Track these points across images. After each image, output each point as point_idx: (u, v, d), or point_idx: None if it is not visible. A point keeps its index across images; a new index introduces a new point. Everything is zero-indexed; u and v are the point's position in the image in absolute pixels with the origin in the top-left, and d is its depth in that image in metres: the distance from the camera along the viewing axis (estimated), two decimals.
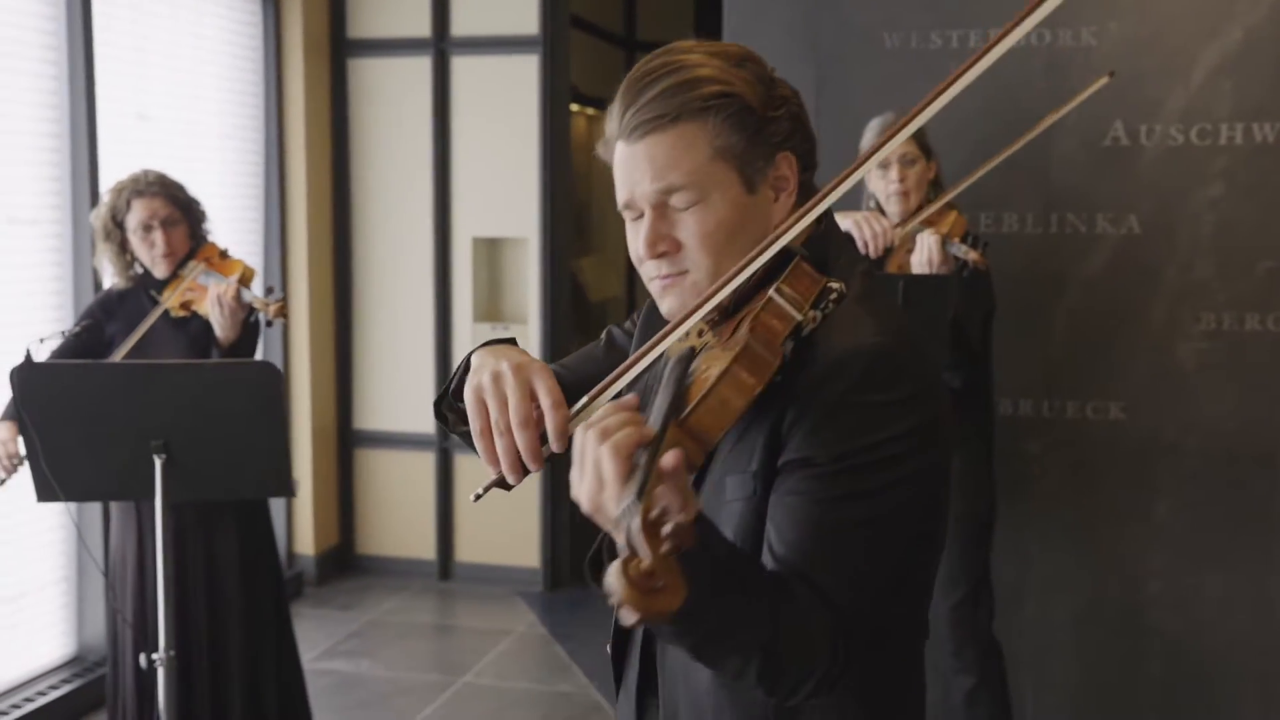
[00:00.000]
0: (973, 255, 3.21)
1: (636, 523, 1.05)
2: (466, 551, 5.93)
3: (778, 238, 1.36)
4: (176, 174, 3.51)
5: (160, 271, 3.39)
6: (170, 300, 3.34)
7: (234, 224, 5.34)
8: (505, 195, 5.74)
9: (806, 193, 1.47)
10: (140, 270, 3.44)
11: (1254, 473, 3.66)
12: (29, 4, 4.24)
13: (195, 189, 3.56)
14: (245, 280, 3.35)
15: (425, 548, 5.94)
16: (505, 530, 5.84)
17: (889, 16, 3.81)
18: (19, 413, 2.71)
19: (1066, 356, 3.72)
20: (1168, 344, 3.68)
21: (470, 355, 1.52)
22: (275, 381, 2.78)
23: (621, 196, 1.41)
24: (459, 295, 5.83)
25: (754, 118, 1.38)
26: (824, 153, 4.02)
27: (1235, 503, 3.67)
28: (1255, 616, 3.68)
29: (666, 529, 1.04)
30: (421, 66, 5.75)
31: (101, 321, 3.44)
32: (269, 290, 3.37)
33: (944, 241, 3.25)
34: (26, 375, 2.70)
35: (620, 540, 1.07)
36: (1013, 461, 3.73)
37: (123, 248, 3.41)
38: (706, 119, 1.36)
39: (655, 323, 1.59)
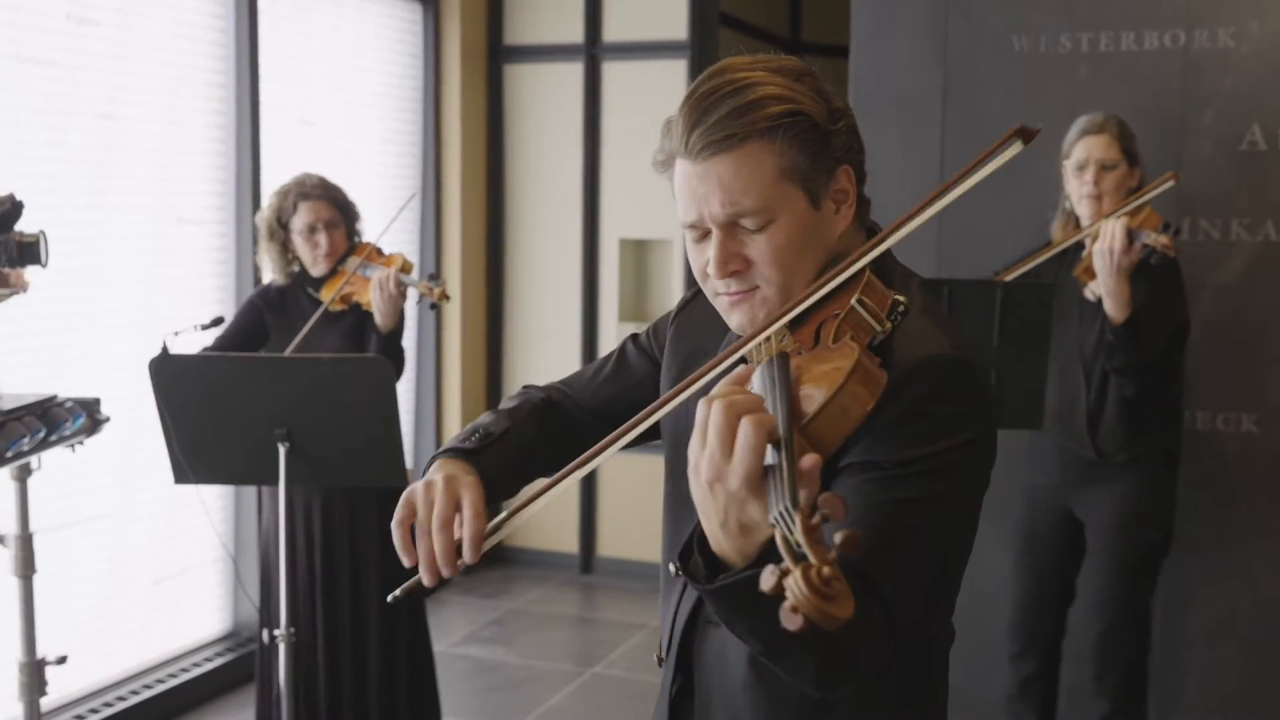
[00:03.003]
0: (1162, 240, 3.02)
1: (799, 528, 1.06)
2: (608, 546, 6.05)
3: (854, 261, 1.38)
4: (337, 178, 3.71)
5: (319, 270, 3.58)
6: (330, 296, 3.53)
7: (392, 226, 5.55)
8: (652, 198, 5.83)
9: (863, 205, 1.51)
10: (297, 269, 3.63)
11: None
12: (198, 15, 4.51)
13: (355, 192, 3.75)
14: (405, 270, 3.51)
15: (569, 541, 6.08)
16: (645, 526, 5.93)
17: (1018, 19, 3.76)
18: (156, 400, 2.92)
19: (1199, 366, 3.62)
20: None
21: (431, 461, 1.60)
22: (387, 376, 2.93)
23: (688, 216, 1.43)
24: (605, 295, 5.95)
25: (818, 134, 1.41)
26: (951, 156, 4.02)
27: None
28: None
29: (837, 538, 1.04)
30: (574, 72, 5.89)
31: (262, 311, 3.65)
32: (431, 276, 3.53)
33: (1130, 230, 3.07)
34: (162, 366, 2.91)
35: (780, 547, 1.07)
36: None
37: (285, 247, 3.61)
38: (774, 138, 1.38)
39: (697, 338, 1.63)
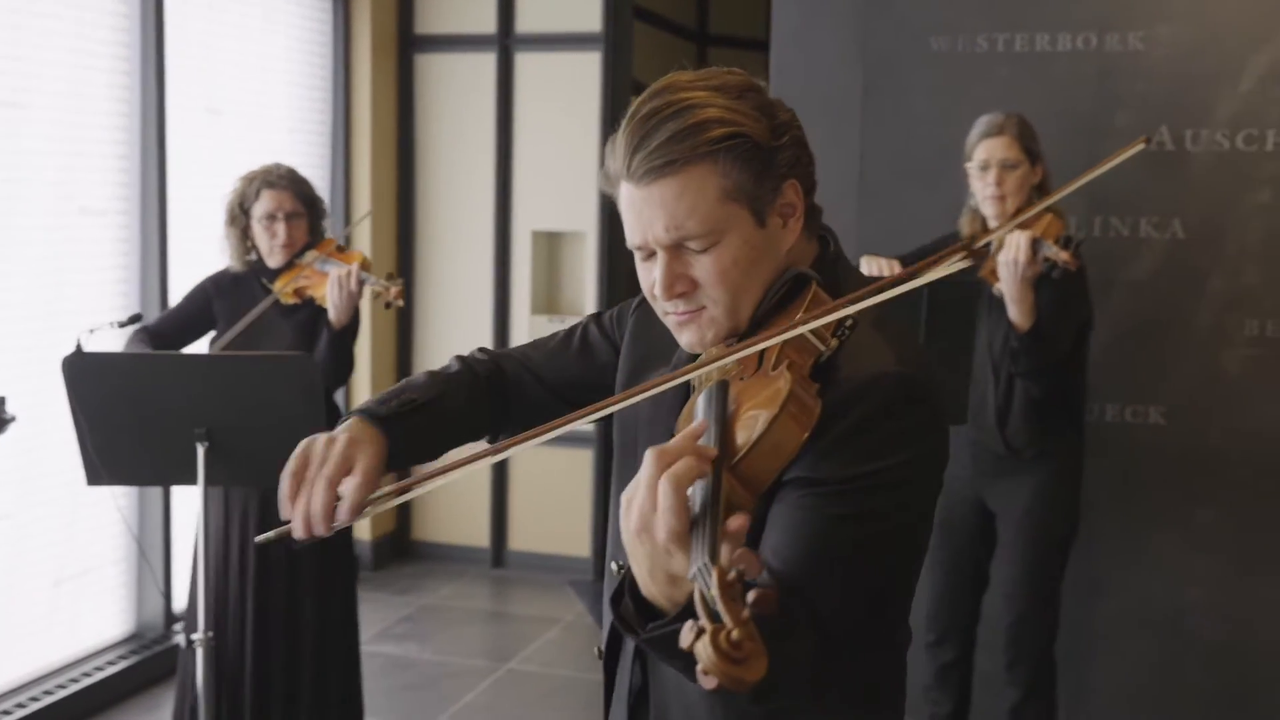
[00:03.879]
0: (1063, 255, 3.10)
1: (714, 587, 1.05)
2: (520, 540, 6.02)
3: (830, 313, 1.35)
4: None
5: (275, 261, 3.52)
6: (283, 288, 3.47)
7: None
8: (565, 190, 5.81)
9: (812, 216, 1.51)
10: (255, 258, 3.57)
11: None
12: (104, 1, 4.38)
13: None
14: (365, 268, 3.46)
15: (480, 535, 6.04)
16: (557, 520, 5.92)
17: (937, 19, 3.81)
18: (69, 400, 2.83)
19: (1109, 360, 3.70)
20: (1212, 350, 3.65)
21: (347, 414, 1.60)
22: (313, 374, 2.88)
23: (633, 238, 1.43)
24: (517, 287, 5.91)
25: (760, 153, 1.39)
26: (872, 154, 4.06)
27: (1277, 509, 3.64)
28: None
29: (750, 596, 1.04)
30: (486, 62, 5.84)
31: (211, 296, 3.57)
32: (390, 275, 3.48)
33: (1035, 241, 3.14)
34: (76, 364, 2.82)
35: (697, 603, 1.06)
36: None
37: (244, 234, 3.55)
38: (716, 160, 1.37)
39: (653, 338, 1.62)
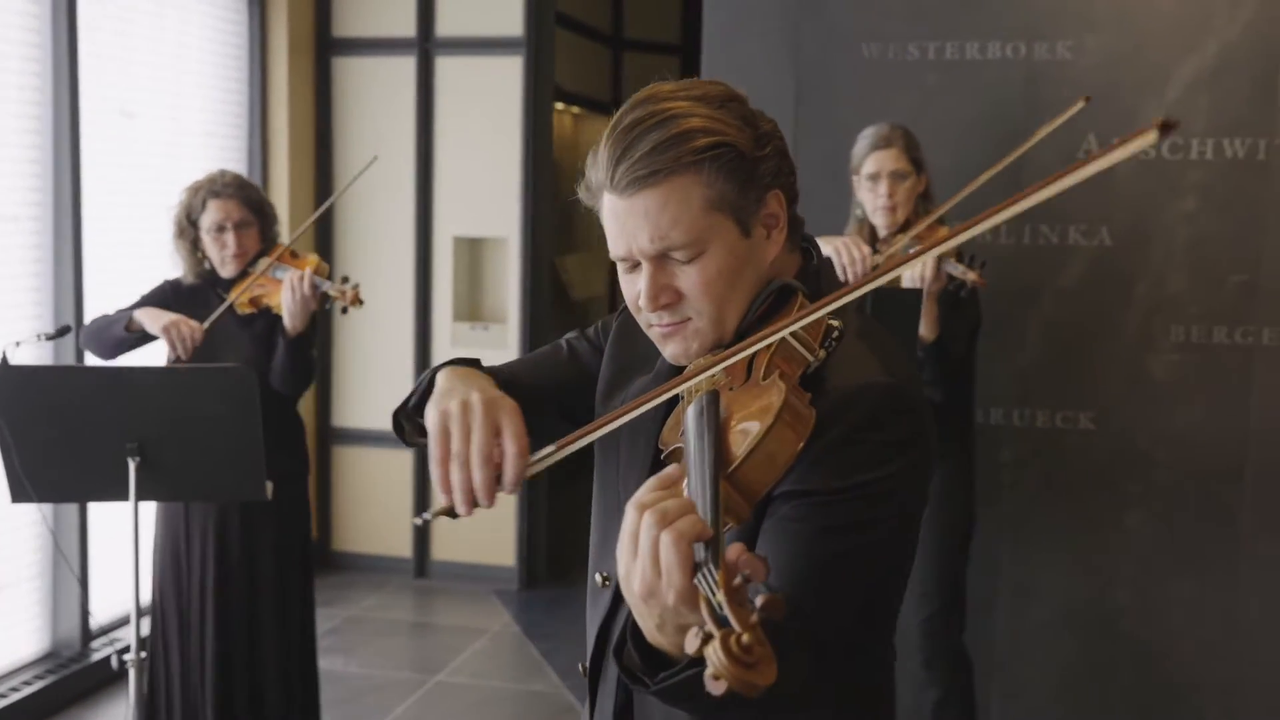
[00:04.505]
0: (971, 276, 3.18)
1: (720, 592, 1.04)
2: (443, 550, 5.95)
3: (812, 313, 1.31)
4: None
5: (228, 271, 3.45)
6: (239, 296, 3.39)
7: None
8: (487, 195, 5.76)
9: (795, 226, 1.50)
10: (209, 267, 3.49)
11: (1221, 483, 3.70)
12: (14, 1, 4.24)
13: (176, 186, 3.59)
14: (319, 273, 3.39)
15: (402, 545, 5.96)
16: (481, 529, 5.86)
17: (868, 27, 3.83)
18: None
19: (1039, 366, 3.75)
20: (1139, 355, 3.72)
21: (435, 372, 1.52)
22: (250, 386, 2.80)
23: (617, 249, 1.41)
24: (439, 294, 5.84)
25: (744, 163, 1.39)
26: (805, 160, 4.08)
27: (1203, 513, 3.72)
28: (1222, 625, 3.72)
29: (759, 600, 1.02)
30: (406, 66, 5.77)
31: (170, 300, 3.49)
32: (344, 279, 3.41)
33: (940, 261, 3.21)
34: (2, 377, 2.72)
35: (702, 608, 1.05)
36: (984, 470, 3.76)
37: (195, 245, 3.47)
38: (700, 171, 1.36)
39: (636, 349, 1.60)
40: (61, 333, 3.22)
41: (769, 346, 1.33)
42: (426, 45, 5.74)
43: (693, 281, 1.39)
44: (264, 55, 5.66)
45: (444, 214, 5.81)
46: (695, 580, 1.08)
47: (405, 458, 5.91)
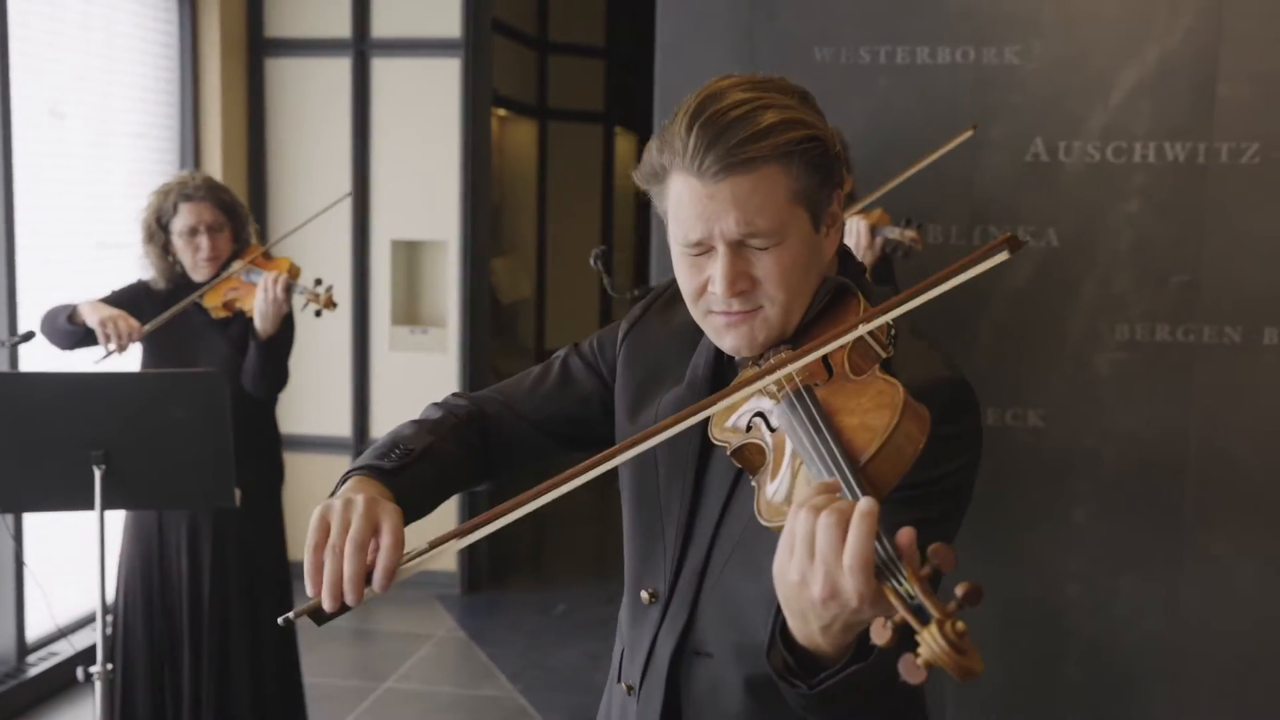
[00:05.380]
0: (909, 234, 3.21)
1: (909, 581, 1.05)
2: None
3: (886, 312, 1.33)
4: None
5: (200, 275, 3.39)
6: (210, 298, 3.33)
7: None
8: (425, 198, 5.72)
9: (839, 226, 1.52)
10: (180, 271, 3.43)
11: (1166, 479, 3.80)
12: None
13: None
14: (293, 275, 3.34)
15: None
16: (422, 534, 5.80)
17: (820, 31, 3.88)
18: None
19: (989, 365, 3.82)
20: (1086, 354, 3.81)
21: (345, 478, 1.50)
22: (221, 392, 2.76)
23: (693, 233, 1.40)
24: (377, 297, 5.79)
25: (826, 159, 1.41)
26: None
27: (1149, 508, 3.82)
28: (1167, 619, 3.82)
29: (960, 590, 1.02)
30: (341, 68, 5.71)
31: (143, 300, 3.42)
32: (317, 282, 3.36)
33: (872, 227, 3.26)
34: None
35: (893, 600, 1.06)
36: None
37: (165, 250, 3.41)
38: (789, 163, 1.37)
39: (651, 363, 1.60)
40: (26, 338, 3.14)
41: (844, 345, 1.33)
42: (362, 46, 5.69)
43: (769, 270, 1.39)
44: (195, 55, 5.56)
45: (381, 217, 5.76)
46: (877, 579, 1.08)
47: (344, 463, 5.82)
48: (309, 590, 1.36)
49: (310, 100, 5.75)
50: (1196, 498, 3.80)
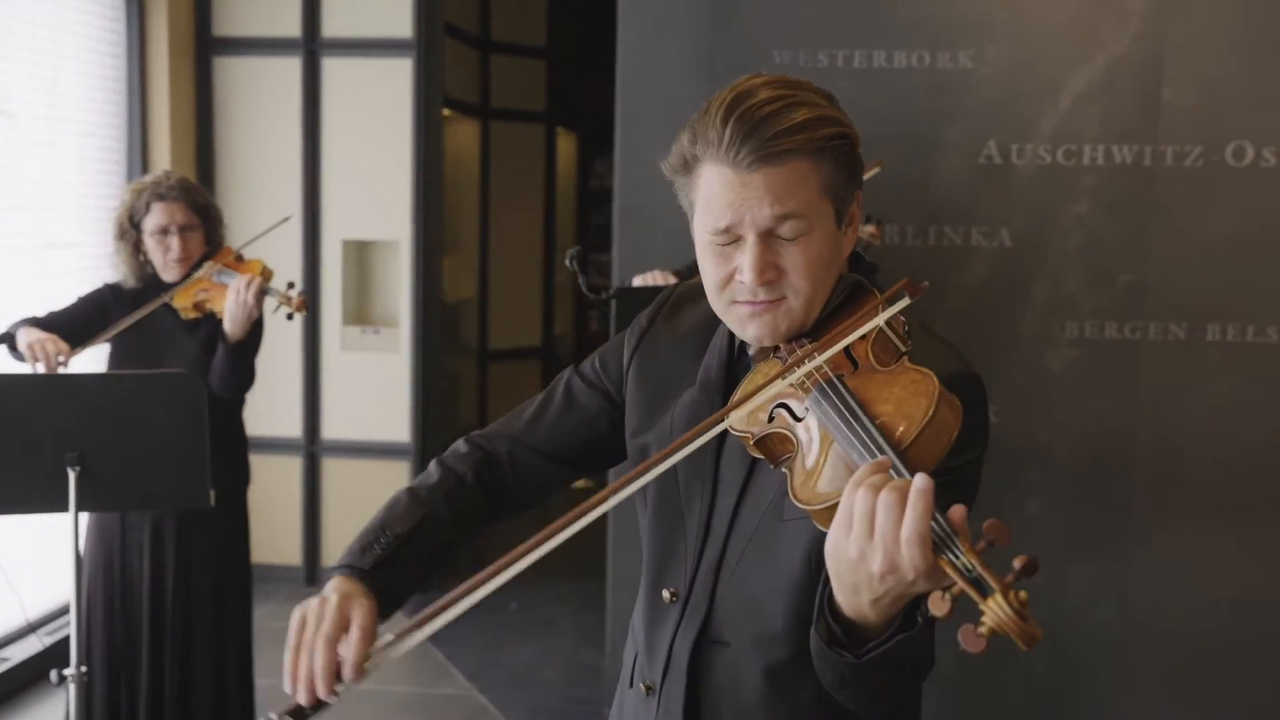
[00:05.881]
0: (868, 229, 3.27)
1: (965, 555, 1.11)
2: (333, 556, 5.85)
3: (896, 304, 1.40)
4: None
5: (170, 275, 3.38)
6: (180, 299, 3.31)
7: (96, 222, 5.19)
8: (377, 198, 5.71)
9: (857, 226, 1.56)
10: (152, 270, 3.41)
11: (1115, 472, 3.91)
12: None
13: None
14: (266, 278, 3.33)
15: (292, 553, 5.86)
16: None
17: (779, 34, 3.94)
18: None
19: None
20: (1038, 351, 3.91)
21: (332, 570, 1.56)
22: (199, 392, 2.76)
23: (722, 220, 1.43)
24: (328, 297, 5.77)
25: (854, 158, 1.46)
26: None
27: (1099, 500, 3.93)
28: (1117, 609, 3.93)
29: (1018, 563, 1.09)
30: (291, 67, 5.68)
31: (109, 304, 3.40)
32: (290, 285, 3.35)
33: None
34: None
35: (951, 573, 1.12)
36: None
37: (137, 248, 3.38)
38: (821, 158, 1.41)
39: (661, 370, 1.63)
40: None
41: (865, 337, 1.39)
42: (313, 46, 5.67)
43: (796, 261, 1.43)
44: (143, 54, 5.51)
45: (332, 217, 5.74)
46: (939, 556, 1.14)
47: (294, 464, 5.82)
48: (287, 688, 1.42)
49: (260, 100, 5.72)
50: (1145, 490, 3.92)
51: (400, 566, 1.55)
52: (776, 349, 1.49)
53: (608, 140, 12.22)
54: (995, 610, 1.09)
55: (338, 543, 5.84)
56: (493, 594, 1.45)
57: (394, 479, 5.78)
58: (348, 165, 5.71)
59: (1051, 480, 3.92)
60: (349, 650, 1.41)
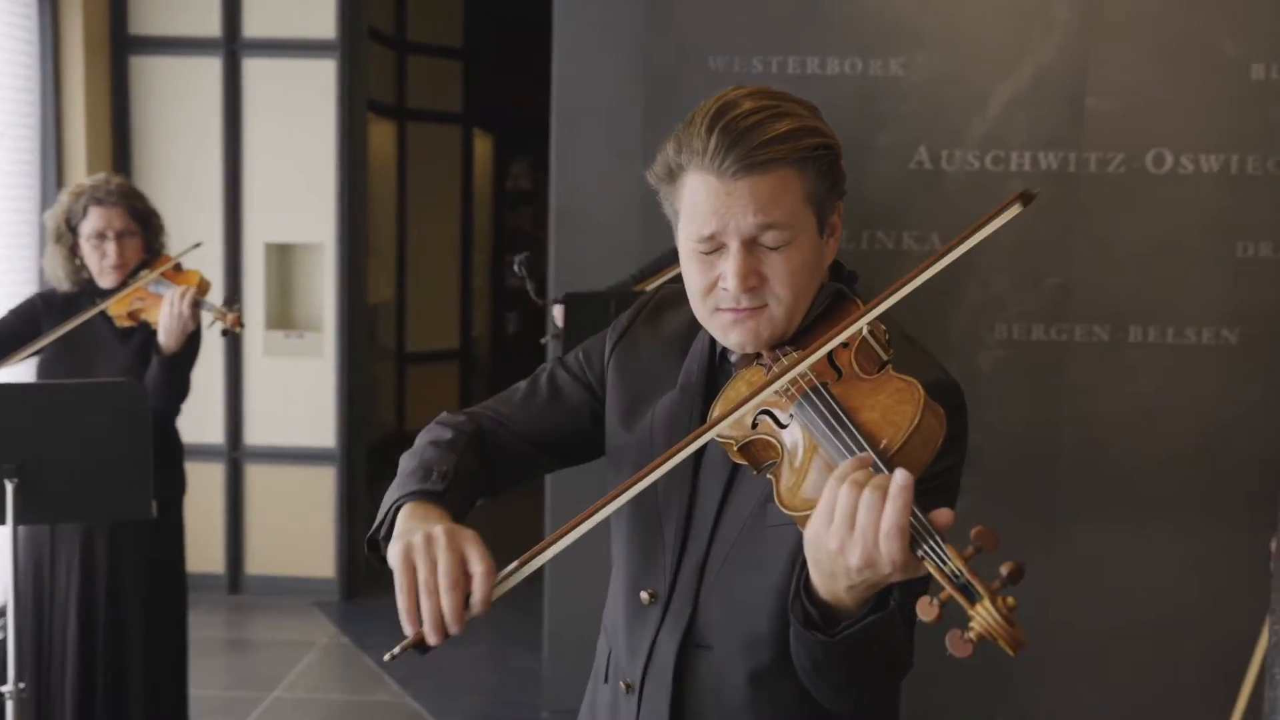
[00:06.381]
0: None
1: (953, 561, 1.14)
2: (257, 563, 5.79)
3: (881, 303, 1.44)
4: None
5: (106, 282, 3.30)
6: (115, 307, 3.24)
7: (6, 225, 5.06)
8: (301, 200, 5.64)
9: (838, 236, 1.58)
10: (87, 275, 3.33)
11: (1041, 471, 4.01)
12: None
13: None
14: (202, 291, 3.27)
15: (214, 561, 5.76)
16: (298, 540, 5.74)
17: (714, 40, 3.98)
18: None
19: None
20: (969, 352, 3.99)
21: (395, 507, 1.51)
22: (142, 401, 2.71)
23: (707, 228, 1.45)
24: (251, 301, 5.68)
25: (836, 168, 1.48)
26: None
27: (1025, 498, 4.02)
28: (1039, 604, 4.02)
29: (1005, 569, 1.12)
30: (211, 67, 5.59)
31: (40, 315, 3.31)
32: (228, 301, 3.29)
33: None
34: None
35: (938, 578, 1.15)
36: None
37: (72, 252, 3.31)
38: (805, 167, 1.44)
39: (642, 372, 1.64)
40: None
41: (848, 345, 1.41)
42: (233, 46, 5.58)
43: (779, 269, 1.45)
44: (56, 52, 5.37)
45: (255, 220, 5.66)
46: (919, 553, 1.17)
47: (216, 471, 5.72)
48: (406, 630, 1.38)
49: (179, 100, 5.62)
50: (1069, 488, 4.02)
51: (456, 498, 1.54)
52: (759, 356, 1.50)
53: (525, 142, 12.20)
54: (984, 616, 1.12)
55: (262, 550, 5.76)
56: None
57: (319, 484, 5.72)
58: (270, 167, 5.63)
59: (981, 478, 4.00)
60: (478, 587, 1.37)
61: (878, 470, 1.25)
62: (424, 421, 1.72)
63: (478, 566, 1.39)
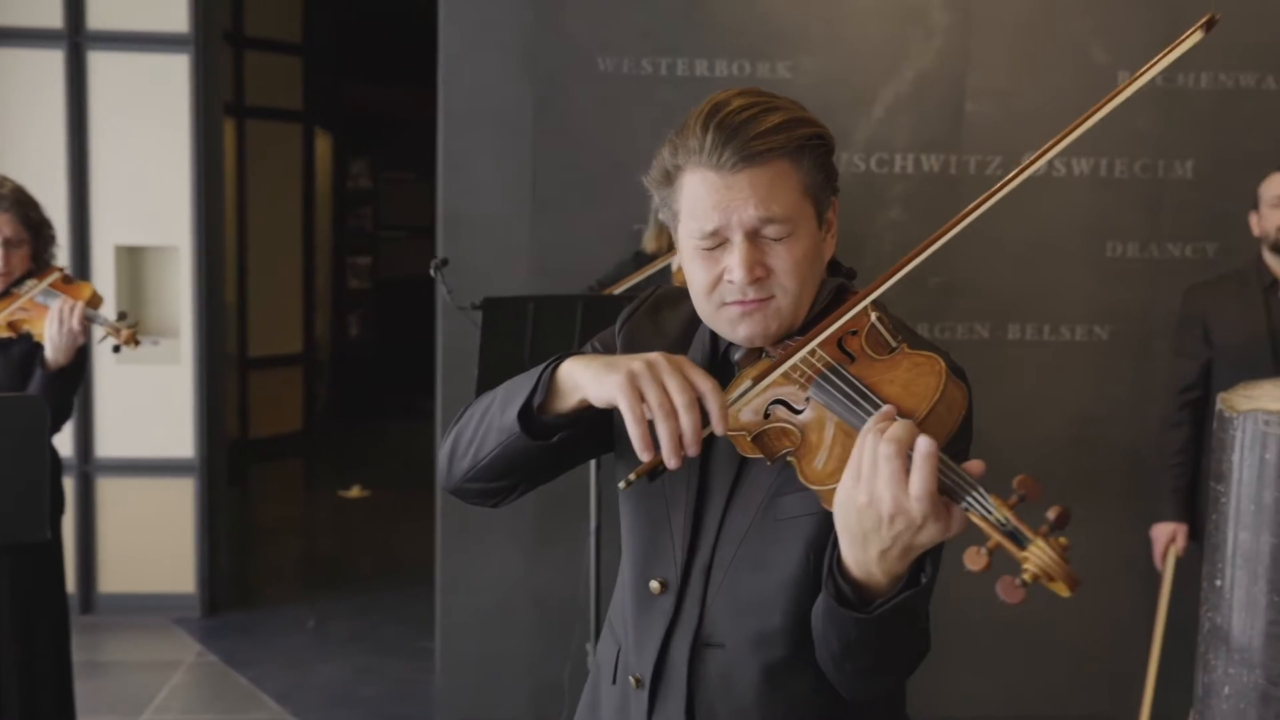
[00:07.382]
0: None
1: (999, 509, 1.16)
2: (110, 581, 5.53)
3: (884, 282, 1.47)
4: None
5: None
6: None
7: None
8: (154, 201, 5.41)
9: (834, 232, 1.59)
10: None
11: None
12: None
13: None
14: (93, 305, 3.09)
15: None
16: (154, 555, 5.51)
17: (603, 41, 3.95)
18: None
19: None
20: None
21: (552, 367, 1.50)
22: (39, 417, 2.55)
23: (709, 224, 1.46)
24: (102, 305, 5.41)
25: (830, 160, 1.51)
26: (544, 170, 4.16)
27: None
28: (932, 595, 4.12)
29: (1052, 514, 1.13)
30: (53, 60, 5.31)
31: None
32: (121, 315, 3.10)
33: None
34: None
35: (984, 528, 1.17)
36: None
37: None
38: (801, 158, 1.46)
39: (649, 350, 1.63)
40: None
41: (857, 332, 1.43)
42: (77, 39, 5.32)
43: (782, 260, 1.46)
44: None
45: (103, 221, 5.40)
46: (964, 504, 1.19)
47: (64, 485, 5.43)
48: (642, 456, 1.37)
49: (18, 94, 5.32)
50: None
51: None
52: (765, 351, 1.51)
53: (365, 141, 11.97)
54: (1038, 557, 1.14)
55: (116, 567, 5.51)
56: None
57: (177, 497, 5.49)
58: (119, 166, 5.38)
59: None
60: (713, 404, 1.37)
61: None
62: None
63: (704, 384, 1.39)
